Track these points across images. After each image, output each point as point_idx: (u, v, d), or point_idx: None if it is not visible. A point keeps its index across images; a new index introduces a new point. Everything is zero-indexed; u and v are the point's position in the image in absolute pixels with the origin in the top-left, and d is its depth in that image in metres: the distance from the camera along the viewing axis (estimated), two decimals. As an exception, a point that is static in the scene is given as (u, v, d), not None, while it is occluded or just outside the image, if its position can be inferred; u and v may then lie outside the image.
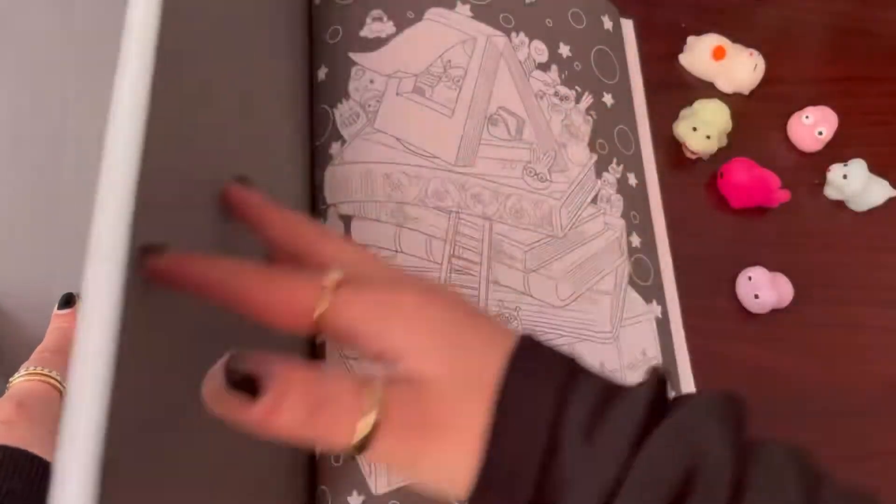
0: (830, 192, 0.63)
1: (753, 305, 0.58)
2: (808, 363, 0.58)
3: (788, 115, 0.66)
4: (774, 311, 0.58)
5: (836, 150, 0.64)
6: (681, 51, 0.67)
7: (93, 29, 0.49)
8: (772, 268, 0.58)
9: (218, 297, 0.26)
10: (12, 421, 0.35)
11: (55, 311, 0.43)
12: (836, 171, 0.62)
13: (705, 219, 0.61)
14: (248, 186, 0.32)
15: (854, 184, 0.61)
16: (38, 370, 0.39)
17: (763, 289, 0.57)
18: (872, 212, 0.63)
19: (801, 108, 0.65)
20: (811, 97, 0.66)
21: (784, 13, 0.71)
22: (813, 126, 0.63)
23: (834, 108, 0.64)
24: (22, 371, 0.39)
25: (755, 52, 0.65)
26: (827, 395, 0.57)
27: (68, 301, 0.43)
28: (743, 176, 0.60)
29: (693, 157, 0.62)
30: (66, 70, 0.49)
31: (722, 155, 0.63)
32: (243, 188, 0.31)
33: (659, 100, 0.63)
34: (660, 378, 0.28)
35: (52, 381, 0.39)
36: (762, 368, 0.57)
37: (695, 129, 0.61)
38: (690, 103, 0.63)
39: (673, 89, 0.65)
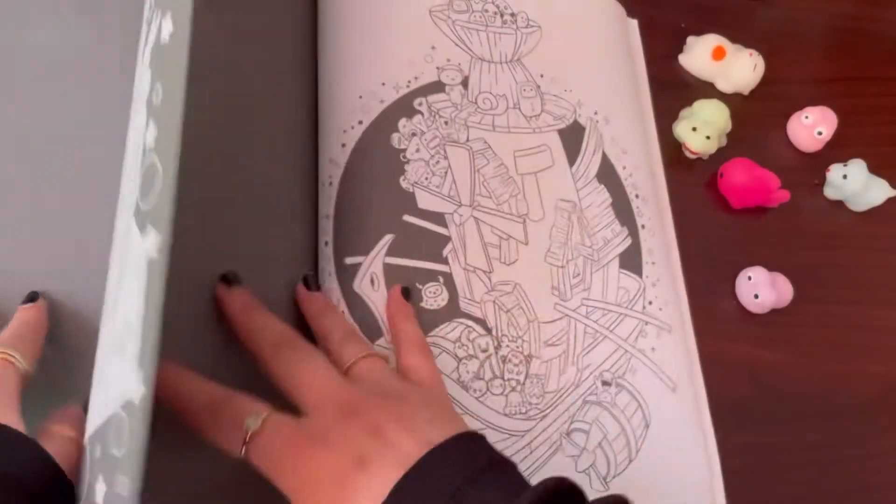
0: (830, 192, 0.63)
1: (753, 305, 0.57)
2: (807, 363, 0.58)
3: (788, 116, 0.66)
4: (774, 311, 0.58)
5: (836, 150, 0.64)
6: (680, 51, 0.67)
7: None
8: (771, 268, 0.58)
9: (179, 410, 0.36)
10: None
11: (19, 305, 0.44)
12: (835, 171, 0.62)
13: (705, 219, 0.61)
14: (233, 286, 0.41)
15: (853, 184, 0.61)
16: None
17: (763, 288, 0.57)
18: (872, 212, 0.63)
19: (800, 108, 0.65)
20: (811, 97, 0.66)
21: (784, 13, 0.71)
22: (812, 126, 0.63)
23: (833, 108, 0.64)
24: None
25: (755, 53, 0.65)
26: (826, 394, 0.57)
27: (32, 298, 0.44)
28: (742, 176, 0.60)
29: (693, 157, 0.62)
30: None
31: (721, 155, 0.63)
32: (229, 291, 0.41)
33: (658, 100, 0.63)
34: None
35: (11, 357, 0.39)
36: (761, 368, 0.57)
37: (694, 129, 0.61)
38: (690, 103, 0.63)
39: (672, 89, 0.65)
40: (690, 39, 0.67)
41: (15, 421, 0.34)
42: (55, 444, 0.35)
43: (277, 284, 0.46)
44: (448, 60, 0.55)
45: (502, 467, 0.36)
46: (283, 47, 0.52)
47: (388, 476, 0.33)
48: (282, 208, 0.48)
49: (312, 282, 0.46)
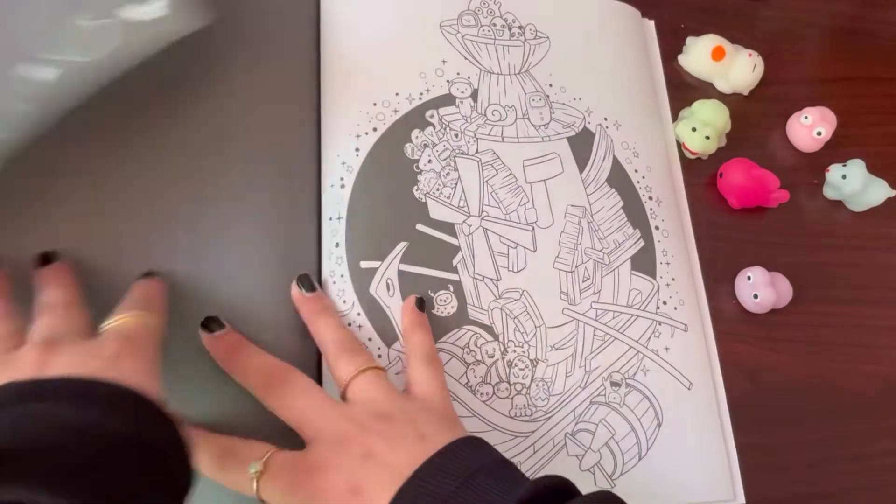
0: (829, 192, 0.64)
1: (753, 305, 0.58)
2: (806, 363, 0.58)
3: (787, 116, 0.66)
4: (774, 311, 0.58)
5: (835, 151, 0.65)
6: (680, 51, 0.67)
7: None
8: (771, 268, 0.59)
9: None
10: (118, 356, 0.35)
11: (137, 280, 0.43)
12: (834, 172, 0.62)
13: (705, 219, 0.61)
14: (214, 331, 0.42)
15: (853, 184, 0.61)
16: (131, 314, 0.39)
17: (762, 289, 0.57)
18: (871, 212, 0.64)
19: (799, 108, 0.65)
20: (810, 97, 0.66)
21: (783, 13, 0.71)
22: (812, 126, 0.64)
23: (833, 108, 0.65)
24: (115, 315, 0.39)
25: (754, 53, 0.65)
26: (826, 394, 0.57)
27: (148, 275, 0.43)
28: (742, 176, 0.60)
29: (692, 157, 0.62)
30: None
31: (721, 155, 0.63)
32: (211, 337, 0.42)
33: (659, 100, 0.63)
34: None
35: (143, 317, 0.39)
36: (761, 368, 0.57)
37: (694, 129, 0.61)
38: (689, 104, 0.63)
39: (672, 90, 0.65)
40: (690, 40, 0.67)
41: (157, 390, 0.35)
42: None
43: (274, 277, 0.46)
44: (458, 74, 0.55)
45: (499, 468, 0.37)
46: (286, 44, 0.52)
47: (382, 498, 0.35)
48: (281, 204, 0.49)
49: (306, 283, 0.46)
